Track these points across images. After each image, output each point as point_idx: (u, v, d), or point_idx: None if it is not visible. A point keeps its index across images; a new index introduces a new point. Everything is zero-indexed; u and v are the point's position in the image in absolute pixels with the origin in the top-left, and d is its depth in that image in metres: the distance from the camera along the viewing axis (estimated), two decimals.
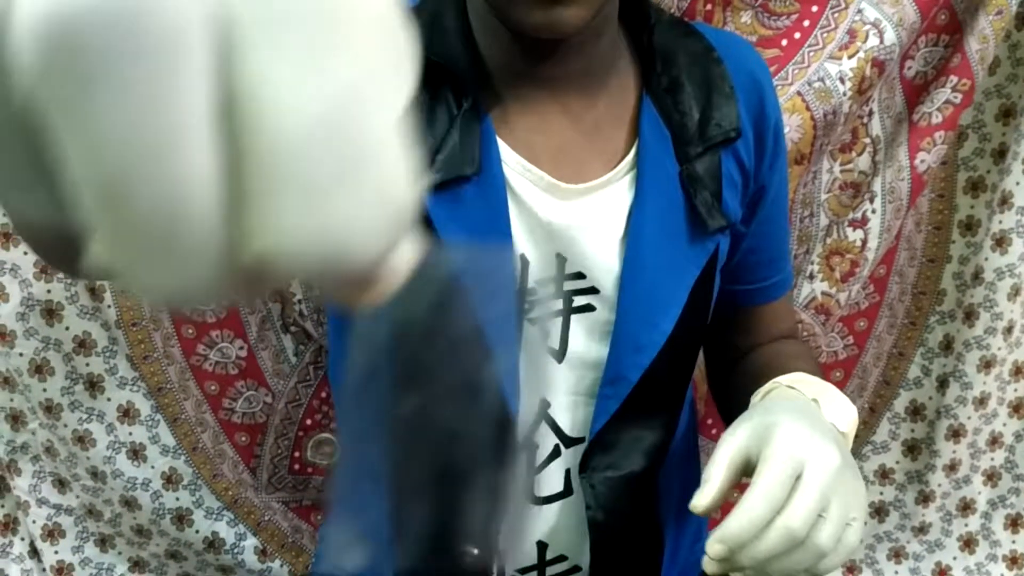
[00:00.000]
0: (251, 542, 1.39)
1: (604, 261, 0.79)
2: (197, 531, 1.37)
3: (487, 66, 0.77)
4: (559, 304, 0.80)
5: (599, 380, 0.81)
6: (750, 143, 0.83)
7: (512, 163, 0.77)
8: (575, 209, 0.78)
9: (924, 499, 1.50)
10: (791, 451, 0.64)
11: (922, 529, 1.54)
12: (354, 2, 0.22)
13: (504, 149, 0.77)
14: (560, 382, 0.82)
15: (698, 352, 0.88)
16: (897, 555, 1.58)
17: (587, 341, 0.81)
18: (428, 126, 0.75)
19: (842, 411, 0.74)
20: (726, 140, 0.80)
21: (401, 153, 0.24)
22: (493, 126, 0.76)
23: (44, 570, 1.40)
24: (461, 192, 0.75)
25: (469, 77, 0.75)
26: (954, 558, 1.55)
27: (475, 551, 0.85)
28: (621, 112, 0.80)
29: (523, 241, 0.78)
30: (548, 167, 0.77)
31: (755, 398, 0.78)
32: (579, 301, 0.80)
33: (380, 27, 0.23)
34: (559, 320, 0.80)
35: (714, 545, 0.64)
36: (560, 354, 0.81)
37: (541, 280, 0.79)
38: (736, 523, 0.63)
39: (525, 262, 0.78)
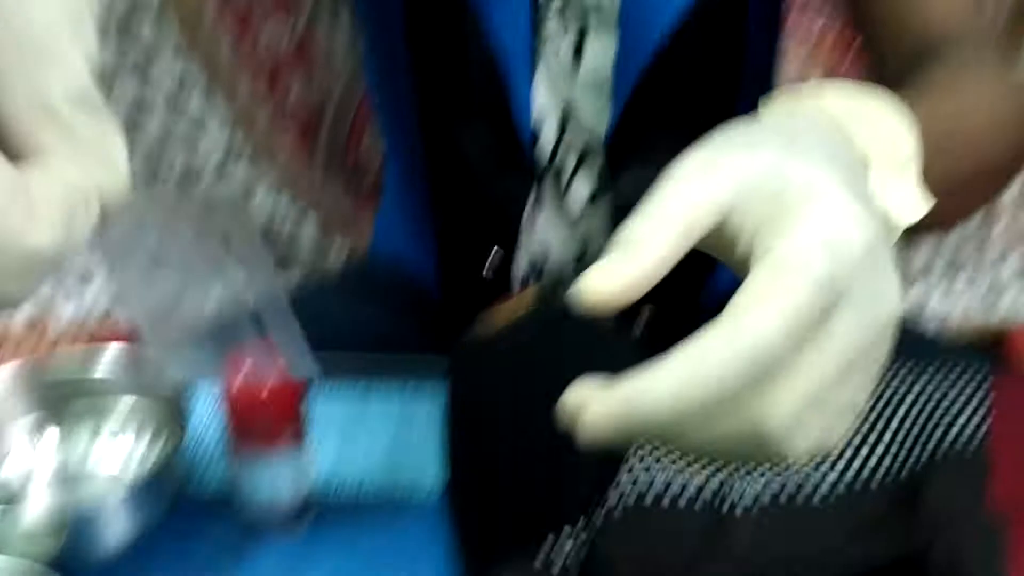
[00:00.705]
0: (311, 223, 1.40)
1: None
2: (258, 209, 1.38)
3: None
4: (572, 17, 0.76)
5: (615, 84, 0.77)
6: None
7: None
8: None
9: (990, 218, 1.46)
10: (834, 267, 0.33)
11: (983, 247, 1.52)
12: None
13: None
14: (579, 91, 0.78)
15: (742, 48, 0.80)
16: (955, 269, 1.57)
17: (600, 47, 0.76)
18: None
19: (908, 197, 0.43)
20: None
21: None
22: None
23: None
24: None
25: None
26: (1012, 275, 1.54)
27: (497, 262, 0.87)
28: None
29: None
30: None
31: (768, 107, 0.45)
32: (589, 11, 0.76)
33: None
34: (573, 31, 0.76)
35: (597, 411, 0.33)
36: (575, 67, 0.77)
37: None
38: (667, 398, 0.32)
39: None
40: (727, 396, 0.32)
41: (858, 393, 0.35)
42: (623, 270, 0.33)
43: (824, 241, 0.33)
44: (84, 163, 0.40)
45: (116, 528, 0.56)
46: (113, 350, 0.67)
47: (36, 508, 0.61)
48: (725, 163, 0.36)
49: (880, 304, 0.35)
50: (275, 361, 0.55)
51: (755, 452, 0.34)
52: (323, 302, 0.93)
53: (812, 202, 0.34)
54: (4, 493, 0.63)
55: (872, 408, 0.61)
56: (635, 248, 0.34)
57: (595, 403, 0.33)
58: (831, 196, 0.34)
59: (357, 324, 0.87)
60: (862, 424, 0.60)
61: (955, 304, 1.59)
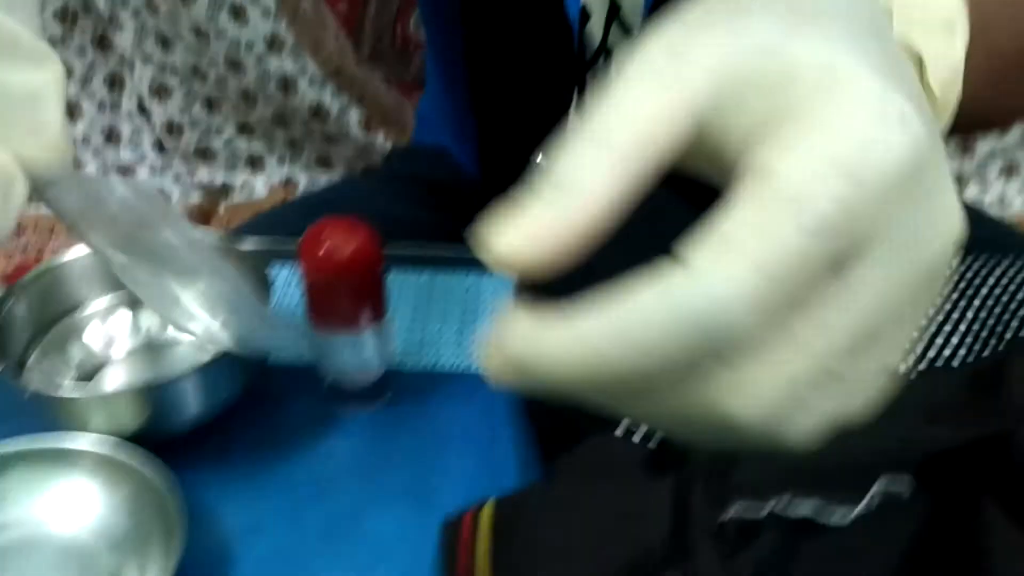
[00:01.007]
0: (355, 113, 1.40)
1: None
2: (302, 99, 1.37)
3: None
4: None
5: None
6: None
7: None
8: None
9: None
10: (852, 197, 0.21)
11: None
12: None
13: None
14: None
15: None
16: (1010, 171, 1.54)
17: None
18: None
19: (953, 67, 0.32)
20: None
21: None
22: None
23: (153, 127, 1.44)
24: None
25: None
26: None
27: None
28: None
29: None
30: None
31: None
32: None
33: None
34: None
35: (494, 348, 0.23)
36: None
37: None
38: (567, 360, 0.22)
39: None
40: (661, 370, 0.21)
41: (891, 353, 0.24)
42: (551, 220, 0.22)
43: (836, 157, 0.21)
44: (8, 131, 0.36)
45: (196, 401, 0.56)
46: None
47: (116, 383, 0.62)
48: (699, 47, 0.24)
49: (926, 242, 0.23)
50: (354, 238, 0.55)
51: (729, 439, 0.24)
52: (366, 194, 0.93)
53: (829, 97, 0.22)
54: (85, 370, 0.63)
55: (949, 293, 0.60)
56: (569, 188, 0.22)
57: (494, 339, 0.23)
58: (858, 87, 0.22)
59: (399, 215, 0.87)
60: (937, 311, 0.59)
61: (1008, 209, 1.57)
